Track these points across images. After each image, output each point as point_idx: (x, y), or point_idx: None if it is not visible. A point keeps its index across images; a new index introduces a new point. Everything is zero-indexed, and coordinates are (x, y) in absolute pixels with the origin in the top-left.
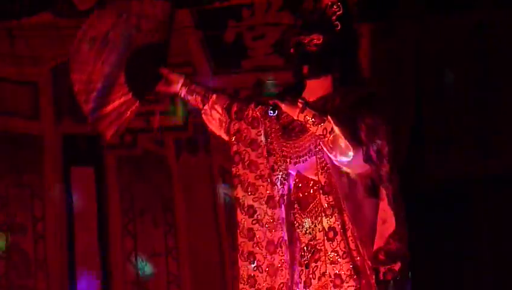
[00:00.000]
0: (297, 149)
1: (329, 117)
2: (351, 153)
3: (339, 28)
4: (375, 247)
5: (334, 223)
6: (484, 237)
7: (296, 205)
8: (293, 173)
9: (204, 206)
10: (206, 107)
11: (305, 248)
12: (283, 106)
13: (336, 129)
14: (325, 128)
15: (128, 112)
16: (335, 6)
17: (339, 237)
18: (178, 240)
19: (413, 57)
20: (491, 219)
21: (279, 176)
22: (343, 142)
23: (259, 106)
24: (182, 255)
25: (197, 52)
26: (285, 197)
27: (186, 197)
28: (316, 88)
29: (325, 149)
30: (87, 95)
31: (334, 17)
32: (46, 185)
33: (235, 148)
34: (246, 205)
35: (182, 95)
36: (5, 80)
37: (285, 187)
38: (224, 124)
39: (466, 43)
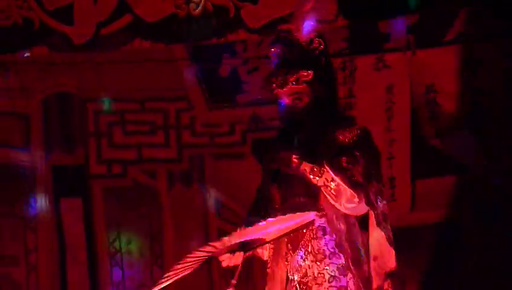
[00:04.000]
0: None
1: (326, 167)
2: (356, 200)
3: (323, 62)
4: (374, 286)
5: (323, 269)
6: None
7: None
8: None
9: (195, 237)
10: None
11: (297, 285)
12: (279, 168)
13: (337, 178)
14: (326, 179)
15: None
16: (316, 42)
17: (326, 284)
18: (165, 271)
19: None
20: None
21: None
22: (347, 190)
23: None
24: (169, 286)
25: (193, 86)
26: None
27: (176, 229)
28: (311, 122)
29: (329, 198)
30: None
31: (317, 52)
32: (39, 216)
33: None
34: None
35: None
36: None
37: None
38: None
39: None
